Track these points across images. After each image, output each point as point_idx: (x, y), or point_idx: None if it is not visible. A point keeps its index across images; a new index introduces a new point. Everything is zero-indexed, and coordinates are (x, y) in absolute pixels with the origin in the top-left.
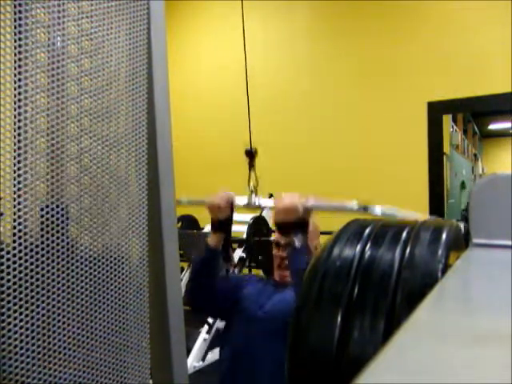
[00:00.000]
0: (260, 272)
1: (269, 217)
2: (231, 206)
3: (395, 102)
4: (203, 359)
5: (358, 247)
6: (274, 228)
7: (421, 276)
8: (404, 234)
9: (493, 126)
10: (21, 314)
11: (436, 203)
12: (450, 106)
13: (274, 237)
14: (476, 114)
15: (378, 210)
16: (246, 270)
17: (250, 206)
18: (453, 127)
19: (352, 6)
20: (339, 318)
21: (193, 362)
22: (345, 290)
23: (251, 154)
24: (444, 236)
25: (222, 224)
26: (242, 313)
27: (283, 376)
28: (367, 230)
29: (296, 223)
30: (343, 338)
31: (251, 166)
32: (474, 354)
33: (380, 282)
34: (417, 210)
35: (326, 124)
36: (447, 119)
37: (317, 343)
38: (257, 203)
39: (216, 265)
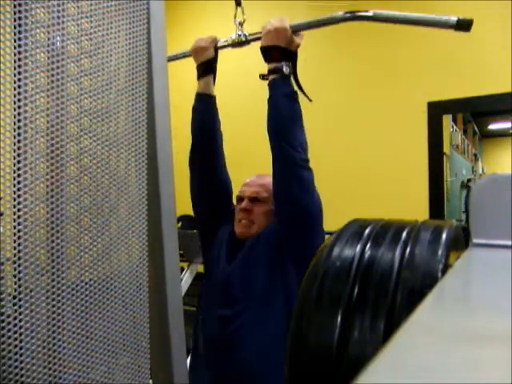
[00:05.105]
0: None
1: None
2: (215, 47)
3: (395, 102)
4: None
5: (358, 247)
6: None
7: (421, 276)
8: (404, 234)
9: (493, 126)
10: (20, 313)
11: (436, 203)
12: (450, 105)
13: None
14: (476, 114)
15: (370, 13)
16: None
17: (236, 45)
18: (453, 127)
19: (352, 6)
20: (339, 319)
21: None
22: (345, 291)
23: None
24: (444, 236)
25: (208, 65)
26: (208, 271)
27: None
28: (367, 230)
29: (284, 50)
30: (343, 338)
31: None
32: (474, 354)
33: (380, 282)
34: (417, 210)
35: (326, 124)
36: (447, 119)
37: (317, 344)
38: (243, 39)
39: (211, 110)
